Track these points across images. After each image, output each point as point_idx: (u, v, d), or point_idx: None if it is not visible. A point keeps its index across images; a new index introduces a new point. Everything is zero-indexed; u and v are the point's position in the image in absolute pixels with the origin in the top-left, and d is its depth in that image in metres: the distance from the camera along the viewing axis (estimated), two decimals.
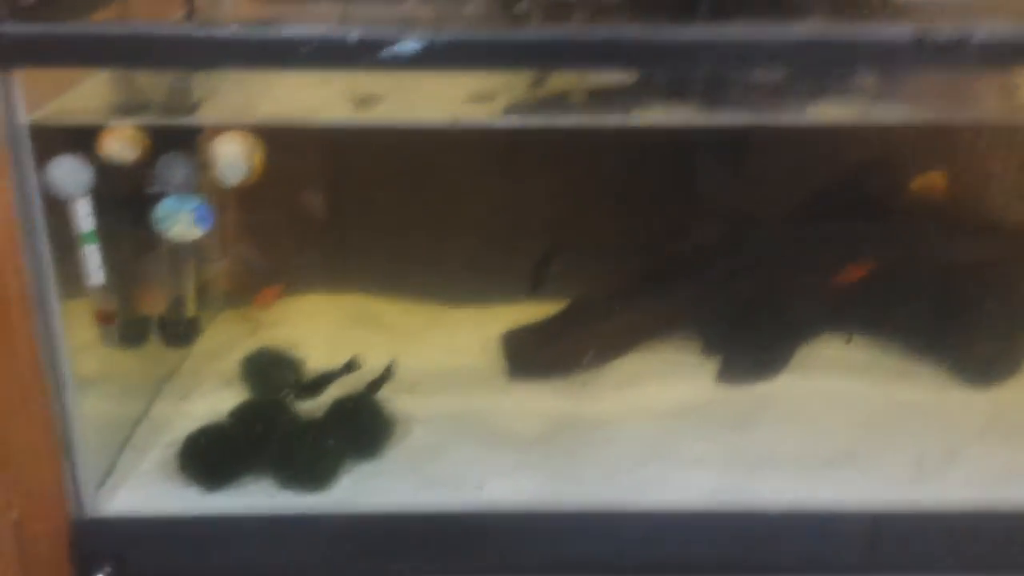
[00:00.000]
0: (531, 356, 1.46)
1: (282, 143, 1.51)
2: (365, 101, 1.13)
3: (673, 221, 1.49)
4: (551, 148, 1.46)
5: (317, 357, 1.47)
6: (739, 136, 1.38)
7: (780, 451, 1.29)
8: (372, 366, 1.42)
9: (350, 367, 1.36)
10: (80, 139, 1.06)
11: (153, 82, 1.12)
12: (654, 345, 1.50)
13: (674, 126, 1.16)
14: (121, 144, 1.04)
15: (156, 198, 1.08)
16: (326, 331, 1.58)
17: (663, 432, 1.33)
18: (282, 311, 1.60)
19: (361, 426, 1.26)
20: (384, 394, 1.36)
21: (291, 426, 1.24)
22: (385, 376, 1.36)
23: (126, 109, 1.11)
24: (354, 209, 1.60)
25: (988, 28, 0.99)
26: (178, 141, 1.12)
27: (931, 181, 1.40)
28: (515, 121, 1.17)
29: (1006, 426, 1.33)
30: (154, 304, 1.30)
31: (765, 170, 1.44)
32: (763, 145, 1.42)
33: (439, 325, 1.61)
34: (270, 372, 1.37)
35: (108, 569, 1.16)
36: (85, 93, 1.11)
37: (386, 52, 1.00)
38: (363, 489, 1.23)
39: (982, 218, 1.45)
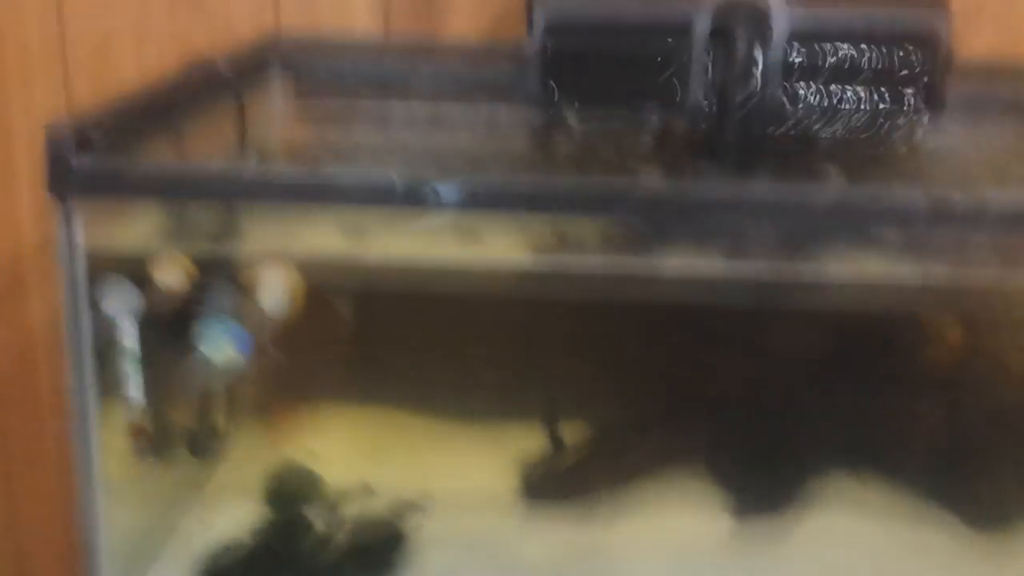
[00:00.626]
0: (548, 481, 1.49)
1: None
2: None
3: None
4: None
5: (339, 472, 1.51)
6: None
7: None
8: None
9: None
10: (132, 264, 1.11)
11: (201, 212, 1.18)
12: (669, 475, 1.53)
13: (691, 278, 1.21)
14: (170, 270, 1.10)
15: (199, 322, 1.13)
16: (349, 446, 1.61)
17: (678, 567, 1.35)
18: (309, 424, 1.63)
19: (379, 549, 1.28)
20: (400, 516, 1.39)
21: (311, 547, 1.26)
22: None
23: (174, 236, 1.17)
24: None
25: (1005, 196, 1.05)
26: (221, 270, 1.17)
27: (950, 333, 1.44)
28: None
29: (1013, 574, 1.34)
30: (182, 416, 1.33)
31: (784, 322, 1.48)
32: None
33: (457, 442, 1.64)
34: (293, 490, 1.40)
35: None
36: (141, 220, 1.17)
37: (430, 196, 1.06)
38: None
39: (997, 367, 1.48)
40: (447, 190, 1.06)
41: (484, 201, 1.09)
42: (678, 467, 1.52)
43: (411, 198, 1.05)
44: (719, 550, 1.40)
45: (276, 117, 1.59)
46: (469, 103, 1.58)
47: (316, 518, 1.36)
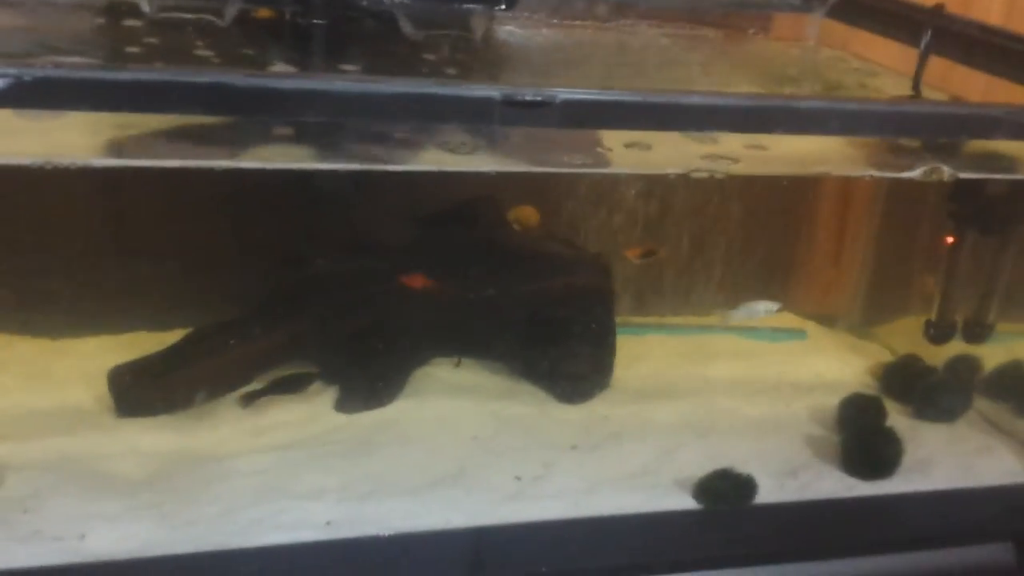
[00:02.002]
0: (141, 392, 1.41)
1: None
2: None
3: (287, 254, 1.51)
4: (163, 182, 1.43)
5: None
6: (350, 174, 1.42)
7: (394, 476, 1.34)
8: None
9: None
10: None
11: None
12: (274, 375, 1.50)
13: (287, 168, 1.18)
14: None
15: None
16: None
17: (279, 465, 1.34)
18: None
19: None
20: None
21: None
22: None
23: None
24: None
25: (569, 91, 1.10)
26: None
27: (524, 214, 1.53)
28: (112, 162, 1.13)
29: (594, 440, 1.48)
30: None
31: (380, 205, 1.49)
32: (375, 183, 1.48)
33: (41, 359, 1.51)
34: None
35: None
36: None
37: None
38: None
39: (571, 249, 1.60)
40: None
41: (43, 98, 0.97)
42: (279, 367, 1.50)
43: None
44: (324, 444, 1.40)
45: None
46: None
47: None
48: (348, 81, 1.03)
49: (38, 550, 1.15)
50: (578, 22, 1.74)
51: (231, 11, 1.47)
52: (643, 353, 1.70)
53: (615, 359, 1.58)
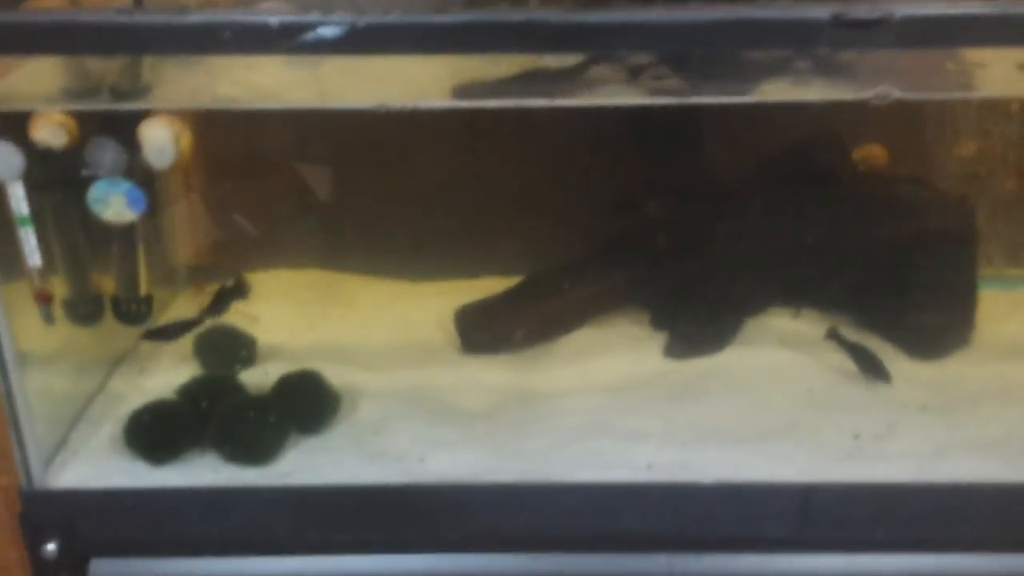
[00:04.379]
0: (483, 331, 1.48)
1: (241, 124, 1.55)
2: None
3: (621, 198, 1.50)
4: (503, 128, 1.49)
5: (276, 332, 1.52)
6: (683, 115, 1.39)
7: (720, 424, 1.31)
8: (328, 338, 1.47)
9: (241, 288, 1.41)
10: (14, 124, 1.08)
11: (103, 67, 1.14)
12: (607, 319, 1.52)
13: (616, 106, 1.17)
14: (50, 130, 1.07)
15: (90, 181, 1.11)
16: (287, 307, 1.60)
17: (606, 406, 1.35)
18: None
19: (305, 401, 1.29)
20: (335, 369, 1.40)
21: (235, 401, 1.27)
22: (235, 292, 1.41)
23: (75, 94, 1.13)
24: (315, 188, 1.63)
25: (906, 7, 0.99)
26: (119, 126, 1.14)
27: (871, 153, 1.40)
28: (451, 104, 1.18)
29: (947, 400, 1.34)
30: (106, 283, 1.32)
31: (711, 148, 1.45)
32: (708, 123, 1.43)
33: (400, 300, 1.64)
34: (223, 349, 1.40)
35: (58, 540, 1.19)
36: (26, 78, 1.13)
37: (308, 36, 1.02)
38: (306, 463, 1.26)
39: (927, 191, 1.45)
40: (331, 29, 1.02)
41: (380, 41, 1.05)
42: (612, 312, 1.51)
43: (288, 37, 1.01)
44: (651, 388, 1.39)
45: None
46: None
47: (245, 377, 1.37)
48: (652, 11, 1.00)
49: (383, 469, 1.25)
50: None
51: None
52: (1016, 310, 1.51)
53: (976, 313, 1.42)
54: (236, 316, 1.50)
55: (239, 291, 1.40)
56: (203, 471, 1.24)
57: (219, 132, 1.54)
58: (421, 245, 1.63)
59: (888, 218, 1.41)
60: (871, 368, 1.36)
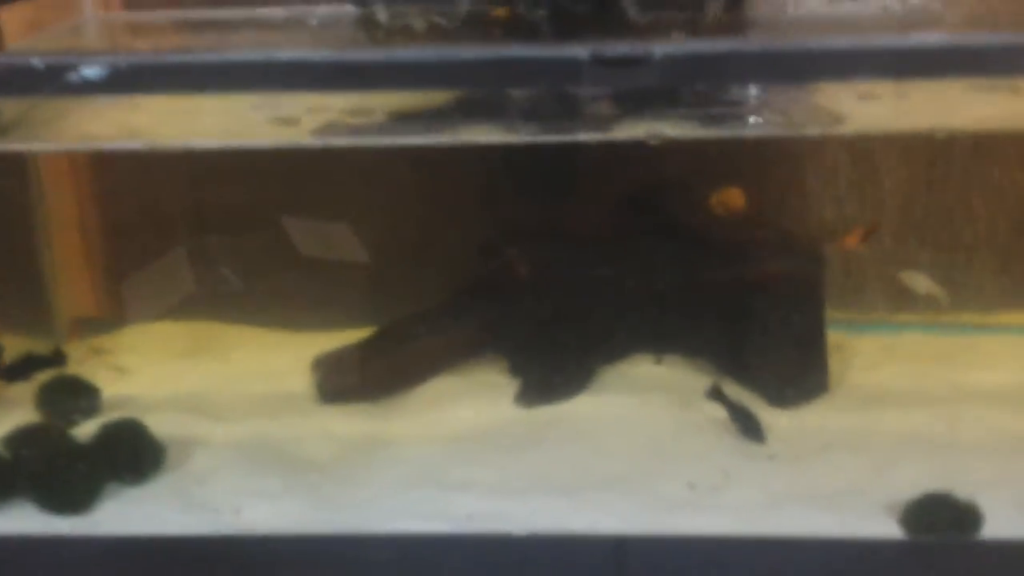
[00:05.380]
0: (339, 379, 1.46)
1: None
2: None
3: (479, 242, 1.48)
4: (366, 170, 1.47)
5: (138, 384, 1.51)
6: (539, 156, 1.37)
7: (553, 474, 1.26)
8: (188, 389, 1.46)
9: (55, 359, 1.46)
10: None
11: None
12: (468, 365, 1.48)
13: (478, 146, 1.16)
14: None
15: None
16: (160, 359, 1.59)
17: (444, 455, 1.31)
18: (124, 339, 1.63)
19: (124, 450, 1.27)
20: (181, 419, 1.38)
21: (50, 449, 1.26)
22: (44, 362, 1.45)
23: None
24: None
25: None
26: None
27: (729, 196, 1.36)
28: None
29: (796, 449, 1.28)
30: None
31: (567, 190, 1.42)
32: (564, 165, 1.41)
33: (276, 350, 1.62)
34: (64, 399, 1.39)
35: None
36: None
37: (72, 77, 1.02)
38: (120, 513, 1.23)
39: (780, 235, 1.40)
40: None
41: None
42: (471, 358, 1.47)
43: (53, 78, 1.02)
44: (494, 437, 1.35)
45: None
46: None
47: (77, 426, 1.36)
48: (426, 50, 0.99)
49: (195, 520, 1.22)
50: None
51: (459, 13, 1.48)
52: (890, 355, 1.44)
53: (826, 360, 1.35)
54: (101, 367, 1.51)
55: (51, 362, 1.43)
56: (18, 519, 1.23)
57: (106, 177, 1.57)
58: (298, 294, 1.61)
59: (740, 263, 1.36)
60: (749, 428, 1.30)
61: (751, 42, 1.01)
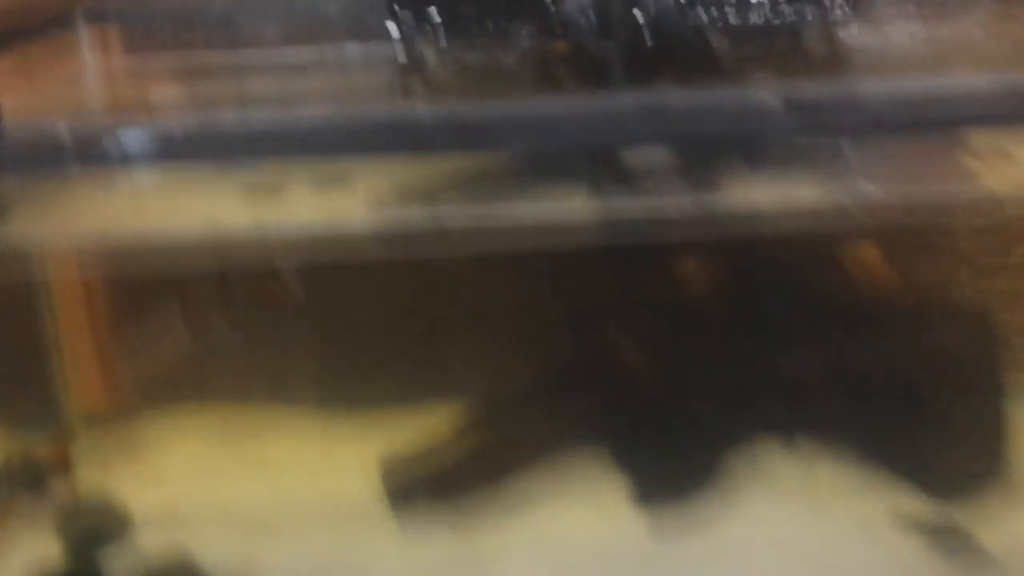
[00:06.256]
0: (415, 488, 1.24)
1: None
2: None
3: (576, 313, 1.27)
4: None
5: (168, 490, 1.29)
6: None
7: None
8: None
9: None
10: None
11: None
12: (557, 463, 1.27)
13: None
14: None
15: None
16: (186, 453, 1.37)
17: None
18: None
19: None
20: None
21: None
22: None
23: None
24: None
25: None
26: None
27: (863, 254, 1.15)
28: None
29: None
30: None
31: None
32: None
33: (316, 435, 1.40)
34: (87, 528, 1.18)
35: None
36: None
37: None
38: None
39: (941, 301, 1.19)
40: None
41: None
42: (567, 452, 1.26)
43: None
44: (623, 549, 1.14)
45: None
46: (314, 44, 1.34)
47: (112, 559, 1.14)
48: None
49: None
50: None
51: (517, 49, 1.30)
52: None
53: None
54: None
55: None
56: None
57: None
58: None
59: (892, 333, 1.16)
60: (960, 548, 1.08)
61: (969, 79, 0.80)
